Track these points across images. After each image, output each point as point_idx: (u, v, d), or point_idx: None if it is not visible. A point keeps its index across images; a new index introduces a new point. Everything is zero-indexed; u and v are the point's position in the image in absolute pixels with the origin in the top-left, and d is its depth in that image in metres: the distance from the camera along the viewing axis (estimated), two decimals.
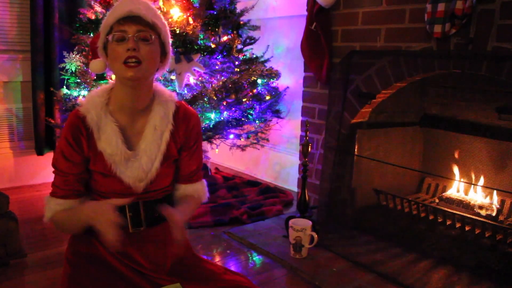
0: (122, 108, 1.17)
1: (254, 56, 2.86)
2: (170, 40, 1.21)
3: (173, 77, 2.46)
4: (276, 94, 2.92)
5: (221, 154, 3.41)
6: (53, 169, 1.18)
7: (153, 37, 1.12)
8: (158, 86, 1.25)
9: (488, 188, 2.12)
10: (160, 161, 1.19)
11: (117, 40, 1.09)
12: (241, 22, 2.86)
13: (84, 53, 2.57)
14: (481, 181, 2.18)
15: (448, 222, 2.11)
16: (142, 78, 1.12)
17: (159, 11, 2.38)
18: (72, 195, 1.17)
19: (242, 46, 2.82)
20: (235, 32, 2.75)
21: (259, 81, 2.82)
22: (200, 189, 1.33)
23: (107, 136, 1.14)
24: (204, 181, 1.35)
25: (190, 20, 2.50)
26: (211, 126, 2.59)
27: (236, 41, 2.63)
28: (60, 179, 1.16)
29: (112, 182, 1.16)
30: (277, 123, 3.07)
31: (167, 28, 1.19)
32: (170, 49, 1.21)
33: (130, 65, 1.08)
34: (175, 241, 1.12)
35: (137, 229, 1.20)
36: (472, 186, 2.21)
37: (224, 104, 2.63)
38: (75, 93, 2.60)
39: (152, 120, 1.19)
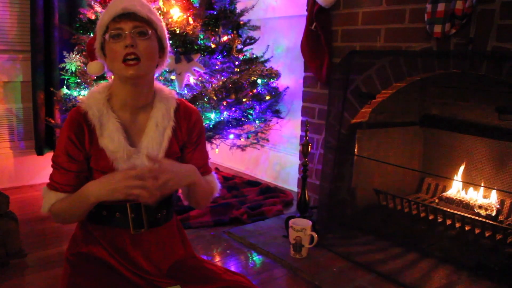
0: (123, 105, 1.17)
1: (254, 56, 2.86)
2: (167, 35, 1.20)
3: (173, 77, 2.45)
4: (276, 94, 2.92)
5: (221, 154, 3.41)
6: (52, 163, 1.16)
7: (150, 31, 1.11)
8: (157, 83, 1.25)
9: (488, 188, 2.12)
10: (162, 158, 1.19)
11: (114, 37, 1.09)
12: (241, 22, 2.86)
13: (84, 53, 2.57)
14: (481, 181, 2.18)
15: (448, 222, 2.11)
16: (143, 75, 1.12)
17: (159, 11, 2.41)
18: (73, 190, 1.15)
19: (242, 46, 2.82)
20: (235, 32, 2.75)
21: (259, 81, 2.82)
22: (211, 180, 1.31)
23: (109, 132, 1.13)
24: (214, 174, 1.34)
25: (190, 20, 2.49)
26: (211, 126, 2.58)
27: (236, 41, 2.63)
28: (60, 176, 1.15)
29: None
30: (277, 123, 3.07)
31: (163, 23, 1.18)
32: (168, 43, 1.20)
33: (130, 63, 1.08)
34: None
35: (138, 231, 1.19)
36: (472, 186, 2.21)
37: (224, 104, 2.63)
38: (75, 93, 2.60)
39: (154, 117, 1.19)
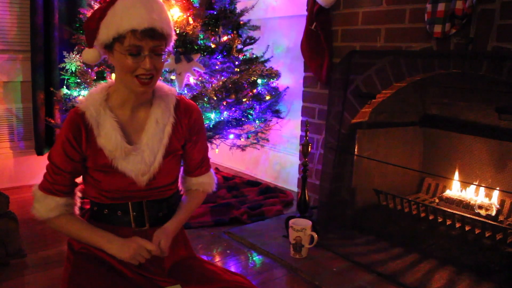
0: (123, 103, 1.18)
1: (254, 56, 2.86)
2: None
3: (173, 77, 2.45)
4: (276, 94, 2.92)
5: (221, 154, 3.41)
6: (48, 163, 1.18)
7: (165, 50, 1.13)
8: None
9: (488, 188, 2.12)
10: (162, 154, 1.20)
11: (132, 54, 1.08)
12: (241, 22, 2.86)
13: None
14: (481, 181, 2.18)
15: (448, 222, 2.11)
16: (152, 88, 1.16)
17: None
18: (70, 191, 1.20)
19: (242, 46, 2.82)
20: (235, 32, 2.75)
21: (259, 81, 2.82)
22: (205, 182, 1.35)
23: (106, 131, 1.14)
24: (211, 173, 1.37)
25: (190, 20, 2.49)
26: (211, 126, 2.58)
27: (236, 41, 2.63)
28: (55, 176, 1.17)
29: (114, 179, 1.17)
30: (277, 123, 3.07)
31: (173, 29, 1.18)
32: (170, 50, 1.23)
33: (144, 81, 1.10)
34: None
35: (140, 229, 1.19)
36: (472, 186, 2.21)
37: (224, 104, 2.62)
38: (75, 93, 2.60)
39: (153, 113, 1.20)
